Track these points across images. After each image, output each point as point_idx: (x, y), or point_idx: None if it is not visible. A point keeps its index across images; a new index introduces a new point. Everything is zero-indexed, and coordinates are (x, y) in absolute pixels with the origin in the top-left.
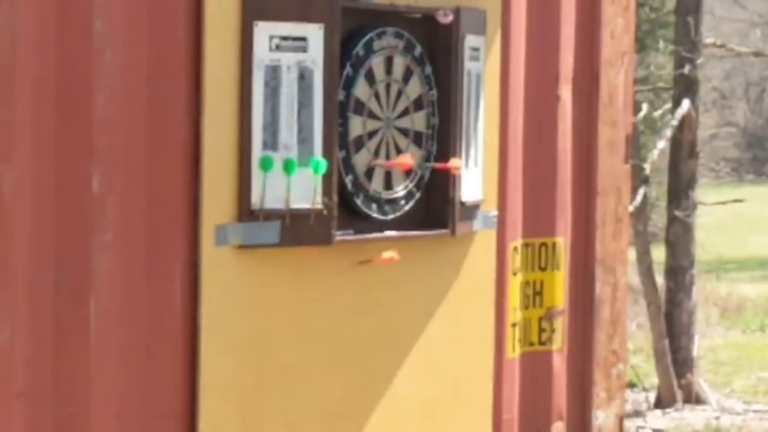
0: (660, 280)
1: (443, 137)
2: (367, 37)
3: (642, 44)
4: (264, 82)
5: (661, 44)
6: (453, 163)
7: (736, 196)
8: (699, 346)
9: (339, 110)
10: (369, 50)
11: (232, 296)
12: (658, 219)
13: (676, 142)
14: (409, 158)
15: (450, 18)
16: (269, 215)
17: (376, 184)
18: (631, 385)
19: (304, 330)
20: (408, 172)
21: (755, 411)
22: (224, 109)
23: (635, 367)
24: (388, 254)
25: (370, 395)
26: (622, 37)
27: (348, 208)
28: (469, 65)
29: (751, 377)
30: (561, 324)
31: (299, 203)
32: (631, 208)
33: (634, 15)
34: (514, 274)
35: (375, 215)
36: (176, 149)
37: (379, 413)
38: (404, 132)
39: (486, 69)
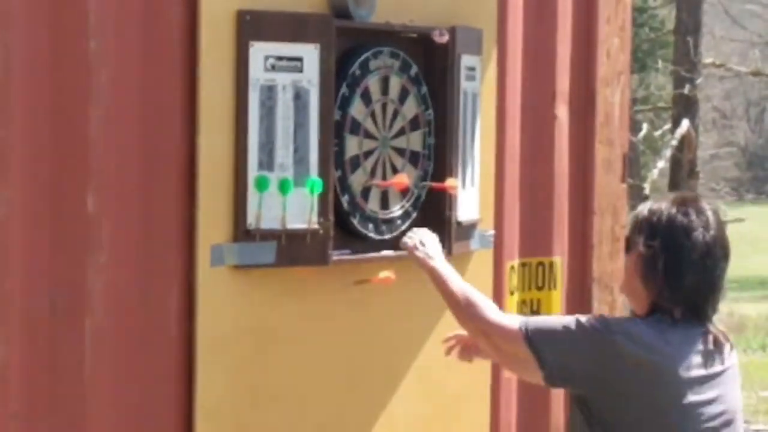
0: None
1: (439, 157)
2: (362, 57)
3: (642, 64)
4: (259, 102)
5: (661, 64)
6: (450, 182)
7: (737, 216)
8: None
9: (335, 130)
10: (365, 70)
11: (228, 316)
12: None
13: (676, 162)
14: (405, 178)
15: (446, 38)
16: (265, 235)
17: (373, 204)
18: None
19: (299, 350)
20: (404, 192)
21: (756, 430)
22: (220, 129)
23: None
24: (384, 274)
25: (366, 415)
26: (618, 57)
27: (344, 227)
28: (465, 85)
29: (753, 396)
30: None
31: (295, 223)
32: None
33: (630, 34)
34: (511, 293)
35: (371, 235)
36: (171, 169)
37: None
38: (400, 152)
39: (482, 88)
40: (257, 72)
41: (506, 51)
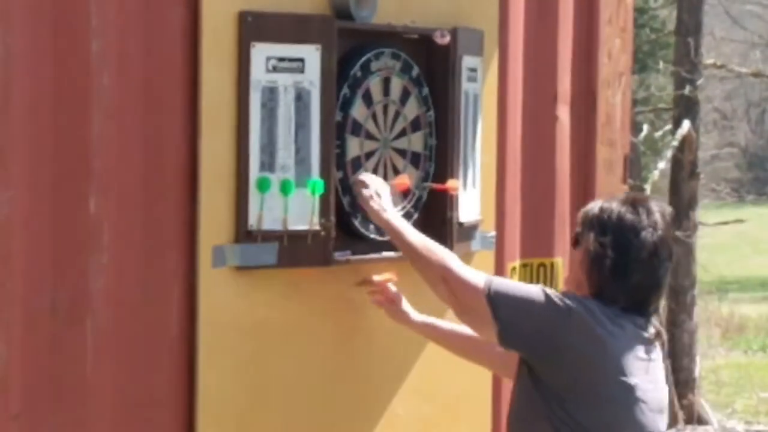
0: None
1: (441, 158)
2: (364, 58)
3: (642, 65)
4: (261, 103)
5: (662, 65)
6: (451, 183)
7: (738, 217)
8: (700, 367)
9: (336, 131)
10: (366, 71)
11: (230, 317)
12: None
13: (676, 163)
14: (406, 179)
15: (447, 39)
16: (267, 236)
17: None
18: None
19: (301, 351)
20: (406, 193)
21: (757, 431)
22: (221, 130)
23: None
24: (384, 276)
25: (367, 416)
26: (619, 58)
27: (345, 228)
28: (466, 86)
29: (753, 397)
30: None
31: (297, 224)
32: None
33: (632, 35)
34: None
35: (373, 236)
36: (173, 170)
37: None
38: (402, 153)
39: (483, 89)
40: (259, 73)
41: (507, 52)
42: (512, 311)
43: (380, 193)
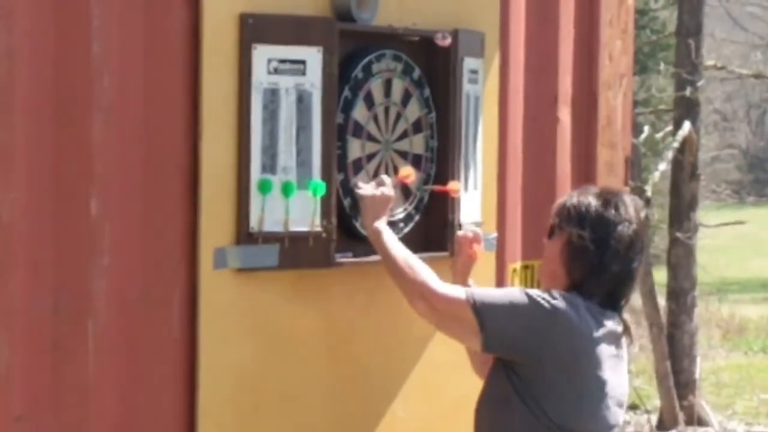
0: (662, 301)
1: (442, 160)
2: (365, 60)
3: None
4: (262, 105)
5: (662, 66)
6: (452, 185)
7: (738, 218)
8: (701, 368)
9: (338, 133)
10: (368, 73)
11: (231, 320)
12: (660, 241)
13: (677, 164)
14: (411, 171)
15: (448, 41)
16: (268, 238)
17: None
18: (633, 407)
19: (303, 353)
20: (407, 191)
21: None
22: (222, 132)
23: (637, 389)
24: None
25: (369, 418)
26: (620, 59)
27: (347, 230)
28: (467, 87)
29: (754, 399)
30: None
31: (298, 226)
32: None
33: (633, 37)
34: None
35: None
36: (174, 172)
37: None
38: (403, 154)
39: (484, 91)
40: (260, 75)
41: (508, 54)
42: (497, 319)
43: (376, 202)
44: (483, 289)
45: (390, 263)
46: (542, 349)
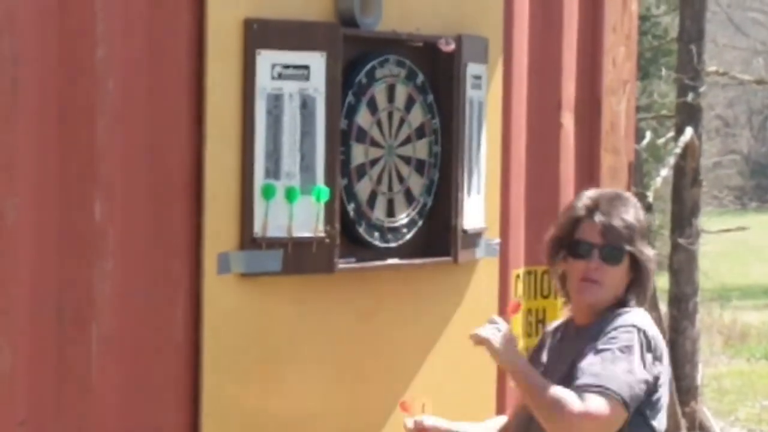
0: (664, 307)
1: (445, 165)
2: (369, 66)
3: (645, 72)
4: (266, 111)
5: (664, 72)
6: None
7: (740, 224)
8: (703, 374)
9: (341, 138)
10: (371, 78)
11: (235, 324)
12: (662, 247)
13: (679, 170)
14: (514, 301)
15: (452, 46)
16: (271, 243)
17: (379, 212)
18: None
19: (306, 358)
20: (411, 196)
21: None
22: (226, 137)
23: None
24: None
25: (372, 422)
26: (623, 65)
27: (350, 236)
28: (471, 93)
29: (756, 405)
30: None
31: (301, 231)
32: None
33: (636, 43)
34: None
35: (377, 243)
36: (178, 177)
37: None
38: (406, 160)
39: (488, 97)
40: (264, 80)
41: (512, 59)
42: (633, 398)
43: (502, 343)
44: (618, 381)
45: (539, 406)
46: (656, 388)
